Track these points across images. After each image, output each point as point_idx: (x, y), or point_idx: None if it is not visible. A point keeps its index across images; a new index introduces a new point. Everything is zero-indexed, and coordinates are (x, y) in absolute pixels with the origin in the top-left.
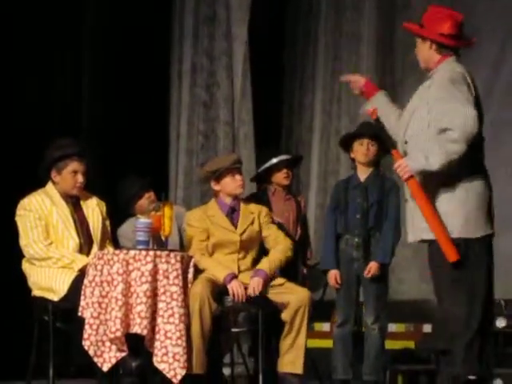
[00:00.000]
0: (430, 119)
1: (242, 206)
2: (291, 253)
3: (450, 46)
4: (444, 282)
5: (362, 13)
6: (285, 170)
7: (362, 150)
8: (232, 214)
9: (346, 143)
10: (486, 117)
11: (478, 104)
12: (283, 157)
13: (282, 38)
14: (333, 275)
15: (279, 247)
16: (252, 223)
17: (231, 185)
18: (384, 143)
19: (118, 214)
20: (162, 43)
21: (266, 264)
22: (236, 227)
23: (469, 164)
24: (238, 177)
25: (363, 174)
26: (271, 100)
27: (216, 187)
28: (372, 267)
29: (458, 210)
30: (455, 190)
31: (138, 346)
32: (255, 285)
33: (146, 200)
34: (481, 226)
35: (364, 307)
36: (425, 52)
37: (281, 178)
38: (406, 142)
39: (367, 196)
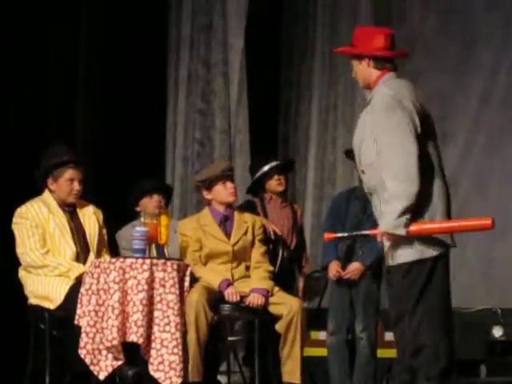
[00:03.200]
0: (378, 148)
1: (236, 214)
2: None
3: (387, 58)
4: (410, 303)
5: (358, 21)
6: (276, 177)
7: None
8: (225, 222)
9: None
10: (482, 123)
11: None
12: (273, 163)
13: (279, 46)
14: (333, 266)
15: (262, 271)
16: (245, 233)
17: (223, 193)
18: None
19: (120, 212)
20: (159, 51)
21: (265, 282)
22: (229, 237)
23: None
24: (229, 184)
25: None
26: (267, 108)
27: (208, 196)
28: (352, 268)
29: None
30: None
31: (134, 354)
32: (256, 300)
33: (153, 202)
34: (438, 242)
35: (355, 315)
36: (364, 71)
37: (274, 185)
38: (363, 172)
39: (365, 207)
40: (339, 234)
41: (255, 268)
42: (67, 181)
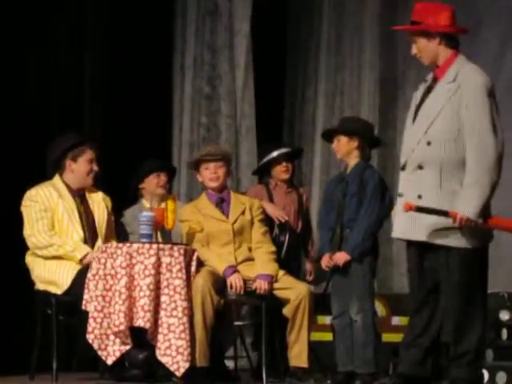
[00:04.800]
0: (462, 125)
1: (233, 196)
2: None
3: (458, 35)
4: (473, 286)
5: (365, 5)
6: (284, 164)
7: (333, 146)
8: (221, 204)
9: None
10: None
11: None
12: (283, 150)
13: (285, 31)
14: (324, 259)
15: (265, 253)
16: (243, 213)
17: (205, 177)
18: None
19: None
20: (165, 36)
21: (269, 266)
22: (227, 217)
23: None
24: (211, 169)
25: (349, 168)
26: (273, 93)
27: (200, 179)
28: (337, 256)
29: None
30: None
31: (141, 339)
32: (261, 285)
33: (160, 182)
34: (489, 234)
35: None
36: (434, 49)
37: (280, 171)
38: (428, 144)
39: (346, 189)
40: (419, 205)
41: (257, 248)
42: (87, 161)
